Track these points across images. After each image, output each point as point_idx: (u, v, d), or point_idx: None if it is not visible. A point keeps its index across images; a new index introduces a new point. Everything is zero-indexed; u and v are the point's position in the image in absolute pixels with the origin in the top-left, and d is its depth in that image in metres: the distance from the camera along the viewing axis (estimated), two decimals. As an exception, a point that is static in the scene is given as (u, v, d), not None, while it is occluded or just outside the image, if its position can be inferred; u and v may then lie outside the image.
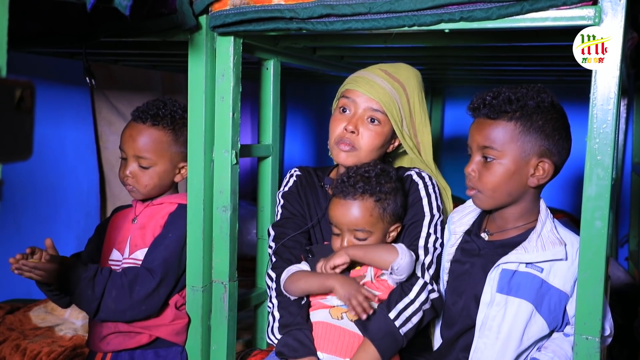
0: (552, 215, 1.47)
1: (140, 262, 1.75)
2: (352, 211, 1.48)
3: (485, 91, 1.48)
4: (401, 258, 1.42)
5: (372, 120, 1.59)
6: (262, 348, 2.09)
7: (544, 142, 1.40)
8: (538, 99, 1.41)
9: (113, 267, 1.79)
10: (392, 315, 1.43)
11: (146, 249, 1.76)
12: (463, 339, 1.49)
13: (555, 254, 1.38)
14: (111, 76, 3.06)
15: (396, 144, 1.67)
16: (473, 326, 1.45)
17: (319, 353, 1.46)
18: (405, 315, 1.44)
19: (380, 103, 1.57)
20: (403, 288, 1.47)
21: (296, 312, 1.53)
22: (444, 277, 1.55)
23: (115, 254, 1.81)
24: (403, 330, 1.43)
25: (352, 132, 1.58)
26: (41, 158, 2.78)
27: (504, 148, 1.41)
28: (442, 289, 1.56)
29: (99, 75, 1.97)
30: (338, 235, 1.51)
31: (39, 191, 2.80)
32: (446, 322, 1.54)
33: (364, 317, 1.39)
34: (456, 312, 1.51)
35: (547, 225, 1.43)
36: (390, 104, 1.58)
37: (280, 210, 1.71)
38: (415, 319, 1.45)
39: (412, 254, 1.46)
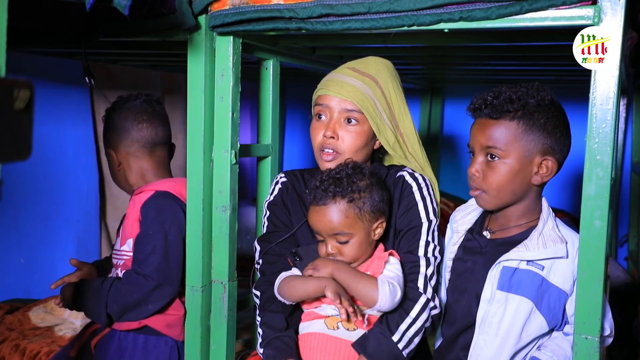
0: (554, 214, 1.47)
1: (129, 254, 1.79)
2: (327, 216, 1.45)
3: (485, 91, 1.47)
4: (379, 305, 1.39)
5: (350, 120, 1.54)
6: (262, 348, 2.09)
7: (547, 140, 1.40)
8: (538, 97, 1.41)
9: (114, 256, 1.87)
10: (395, 338, 1.41)
11: (131, 240, 1.80)
12: (463, 337, 1.49)
13: (556, 252, 1.38)
14: (110, 76, 3.05)
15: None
16: (473, 324, 1.45)
17: None
18: (408, 337, 1.42)
19: (354, 102, 1.52)
20: (404, 306, 1.45)
21: (276, 326, 1.52)
22: (446, 275, 1.55)
23: (117, 243, 1.87)
24: (406, 352, 1.42)
25: (332, 137, 1.54)
26: (41, 158, 2.78)
27: (508, 147, 1.41)
28: (444, 288, 1.56)
29: (98, 75, 1.98)
30: (322, 242, 1.49)
31: (39, 191, 2.80)
32: (447, 320, 1.54)
33: (352, 317, 1.37)
34: (457, 310, 1.51)
35: (548, 224, 1.43)
36: (364, 100, 1.53)
37: (266, 222, 1.67)
38: (417, 340, 1.43)
39: (397, 291, 1.41)
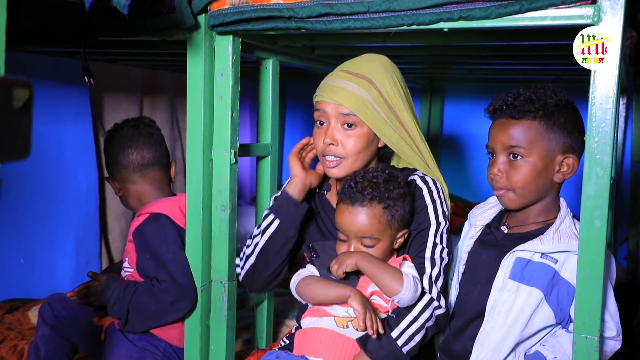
0: (571, 214, 1.49)
1: (130, 270, 1.87)
2: (360, 218, 1.45)
3: (503, 93, 1.49)
4: (403, 293, 1.40)
5: (349, 125, 1.54)
6: (262, 347, 2.09)
7: (567, 138, 1.43)
8: (556, 97, 1.44)
9: (122, 269, 1.94)
10: (394, 334, 1.41)
11: (128, 259, 1.88)
12: (472, 327, 1.49)
13: (570, 247, 1.40)
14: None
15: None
16: (482, 314, 1.46)
17: None
18: (408, 334, 1.42)
19: (348, 107, 1.52)
20: None
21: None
22: (460, 268, 1.57)
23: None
24: (406, 349, 1.41)
25: (331, 144, 1.55)
26: (40, 157, 2.77)
27: (531, 146, 1.43)
28: (456, 282, 1.56)
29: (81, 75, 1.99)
30: (344, 242, 1.49)
31: (38, 190, 2.79)
32: (458, 312, 1.55)
33: (374, 335, 1.38)
34: (469, 301, 1.52)
35: (566, 222, 1.45)
36: (359, 103, 1.52)
37: None
38: (418, 337, 1.43)
39: (419, 286, 1.43)
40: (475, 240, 1.58)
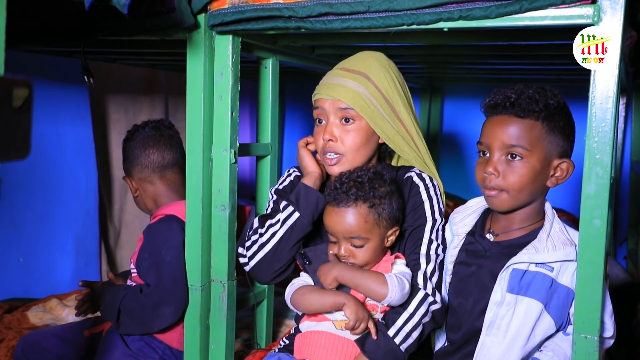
0: (557, 215, 1.47)
1: (135, 273, 1.86)
2: (346, 219, 1.44)
3: (502, 89, 1.44)
4: (391, 295, 1.39)
5: (346, 120, 1.55)
6: (262, 347, 2.09)
7: (564, 142, 1.41)
8: (555, 99, 1.40)
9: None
10: (391, 332, 1.41)
11: (132, 260, 1.88)
12: (467, 344, 1.47)
13: (567, 255, 1.37)
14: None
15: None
16: (479, 330, 1.43)
17: None
18: (405, 331, 1.41)
19: (345, 101, 1.53)
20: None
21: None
22: (447, 279, 1.53)
23: None
24: (404, 347, 1.41)
25: (330, 140, 1.55)
26: (40, 157, 2.77)
27: (532, 147, 1.38)
28: (445, 292, 1.54)
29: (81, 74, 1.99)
30: (335, 243, 1.49)
31: (38, 190, 2.79)
32: (452, 324, 1.52)
33: (356, 333, 1.40)
34: (463, 314, 1.49)
35: (555, 226, 1.42)
36: (356, 97, 1.53)
37: (271, 205, 1.66)
38: (415, 334, 1.43)
39: (405, 283, 1.42)
40: (460, 250, 1.53)
